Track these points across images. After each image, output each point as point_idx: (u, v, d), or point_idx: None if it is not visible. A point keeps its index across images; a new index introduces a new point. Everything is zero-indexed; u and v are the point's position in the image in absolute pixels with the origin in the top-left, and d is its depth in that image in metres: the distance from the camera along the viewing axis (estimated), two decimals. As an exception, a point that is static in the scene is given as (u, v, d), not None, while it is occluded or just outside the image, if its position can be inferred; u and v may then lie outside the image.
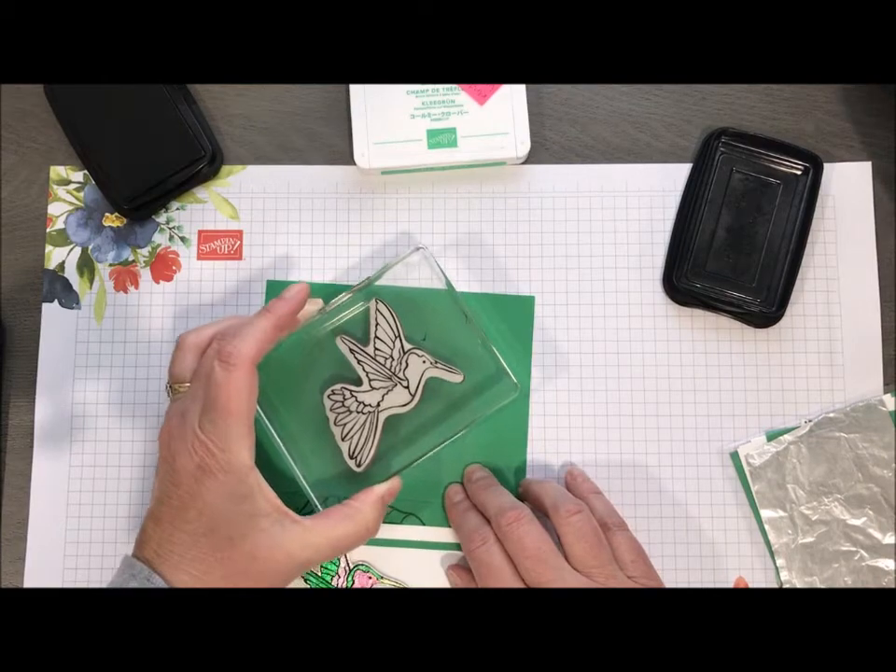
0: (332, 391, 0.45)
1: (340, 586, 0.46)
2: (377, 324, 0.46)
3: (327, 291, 0.47)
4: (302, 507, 0.45)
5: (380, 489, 0.42)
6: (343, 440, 0.45)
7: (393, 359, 0.46)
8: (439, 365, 0.45)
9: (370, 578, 0.46)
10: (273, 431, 0.44)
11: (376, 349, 0.46)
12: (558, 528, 0.41)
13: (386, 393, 0.45)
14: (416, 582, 0.46)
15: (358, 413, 0.45)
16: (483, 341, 0.46)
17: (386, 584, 0.46)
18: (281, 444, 0.44)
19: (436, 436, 0.45)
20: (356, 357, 0.46)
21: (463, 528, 0.43)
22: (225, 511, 0.37)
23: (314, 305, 0.44)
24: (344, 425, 0.45)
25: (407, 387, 0.45)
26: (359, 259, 0.48)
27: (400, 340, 0.46)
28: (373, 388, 0.45)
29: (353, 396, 0.45)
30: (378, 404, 0.45)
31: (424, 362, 0.45)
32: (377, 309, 0.46)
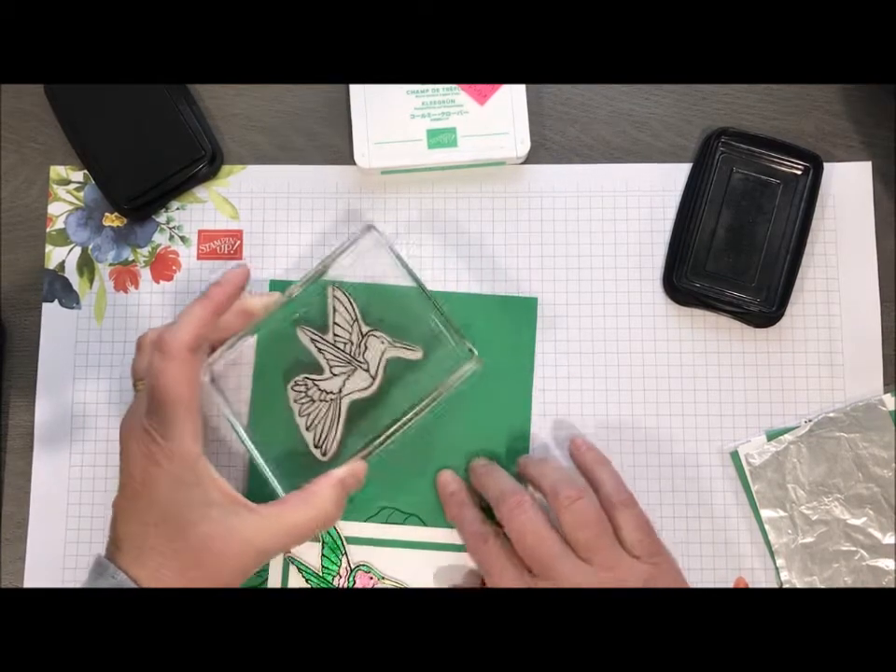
0: (296, 383, 0.45)
1: (341, 586, 0.46)
2: (335, 310, 0.45)
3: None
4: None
5: (338, 472, 0.41)
6: (307, 430, 0.45)
7: (352, 343, 0.45)
8: (397, 344, 0.45)
9: (371, 578, 0.46)
10: (236, 426, 0.43)
11: (335, 335, 0.45)
12: (558, 515, 0.40)
13: (347, 378, 0.45)
14: (417, 583, 0.46)
15: (321, 401, 0.45)
16: (434, 311, 0.45)
17: (387, 585, 0.46)
18: (247, 440, 0.43)
19: (397, 414, 0.43)
20: (316, 346, 0.45)
21: (463, 527, 0.43)
22: (174, 499, 0.37)
23: (270, 298, 0.44)
24: (308, 415, 0.45)
25: (367, 370, 0.45)
26: (359, 258, 0.48)
27: (358, 323, 0.45)
28: (334, 375, 0.45)
29: (315, 385, 0.45)
30: (340, 390, 0.45)
31: (382, 343, 0.45)
32: (334, 295, 0.45)
